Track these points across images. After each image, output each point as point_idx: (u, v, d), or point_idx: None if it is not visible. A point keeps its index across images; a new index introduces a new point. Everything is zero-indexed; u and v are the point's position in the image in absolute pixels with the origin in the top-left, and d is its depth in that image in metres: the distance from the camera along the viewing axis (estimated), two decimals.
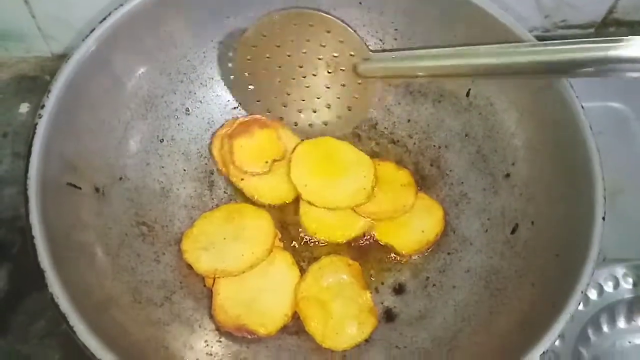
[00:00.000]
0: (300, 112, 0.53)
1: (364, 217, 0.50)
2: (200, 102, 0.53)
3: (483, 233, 0.48)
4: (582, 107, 0.43)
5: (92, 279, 0.41)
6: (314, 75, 0.51)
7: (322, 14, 0.48)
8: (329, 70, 0.50)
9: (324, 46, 0.49)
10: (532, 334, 0.38)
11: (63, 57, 0.43)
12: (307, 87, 0.51)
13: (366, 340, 0.46)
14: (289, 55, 0.50)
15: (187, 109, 0.52)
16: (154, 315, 0.43)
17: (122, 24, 0.45)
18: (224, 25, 0.51)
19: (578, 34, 0.66)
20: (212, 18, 0.50)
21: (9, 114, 0.60)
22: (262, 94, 0.52)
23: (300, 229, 0.50)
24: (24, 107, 0.60)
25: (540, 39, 0.45)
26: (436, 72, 0.47)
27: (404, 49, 0.50)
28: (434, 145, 0.53)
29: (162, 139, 0.51)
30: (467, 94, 0.51)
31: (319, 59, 0.50)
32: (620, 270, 0.51)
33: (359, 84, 0.50)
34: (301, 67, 0.50)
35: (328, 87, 0.51)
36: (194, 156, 0.52)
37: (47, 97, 0.41)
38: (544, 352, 0.37)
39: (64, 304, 0.35)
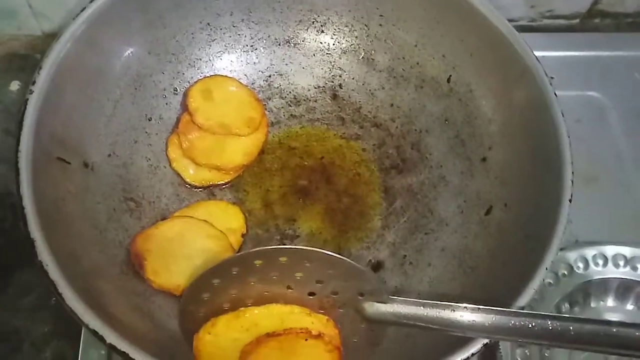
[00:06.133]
0: None
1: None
2: (188, 82, 0.53)
3: (459, 214, 0.50)
4: (556, 94, 0.44)
5: (80, 250, 0.42)
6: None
7: (323, 252, 0.37)
8: (322, 308, 0.39)
9: (321, 283, 0.38)
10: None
11: (54, 36, 0.44)
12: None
13: None
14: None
15: (175, 89, 0.53)
16: (140, 287, 0.45)
17: (113, 3, 0.46)
18: (212, 7, 0.52)
19: (563, 25, 0.68)
20: None
21: None
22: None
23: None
24: (15, 85, 0.61)
25: (525, 28, 0.46)
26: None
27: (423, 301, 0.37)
28: (415, 130, 0.54)
29: (150, 118, 0.52)
30: (448, 80, 0.52)
31: (310, 294, 0.39)
32: (590, 253, 0.53)
33: (362, 327, 0.39)
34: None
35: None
36: None
37: (38, 73, 0.42)
38: None
39: (53, 271, 0.36)
